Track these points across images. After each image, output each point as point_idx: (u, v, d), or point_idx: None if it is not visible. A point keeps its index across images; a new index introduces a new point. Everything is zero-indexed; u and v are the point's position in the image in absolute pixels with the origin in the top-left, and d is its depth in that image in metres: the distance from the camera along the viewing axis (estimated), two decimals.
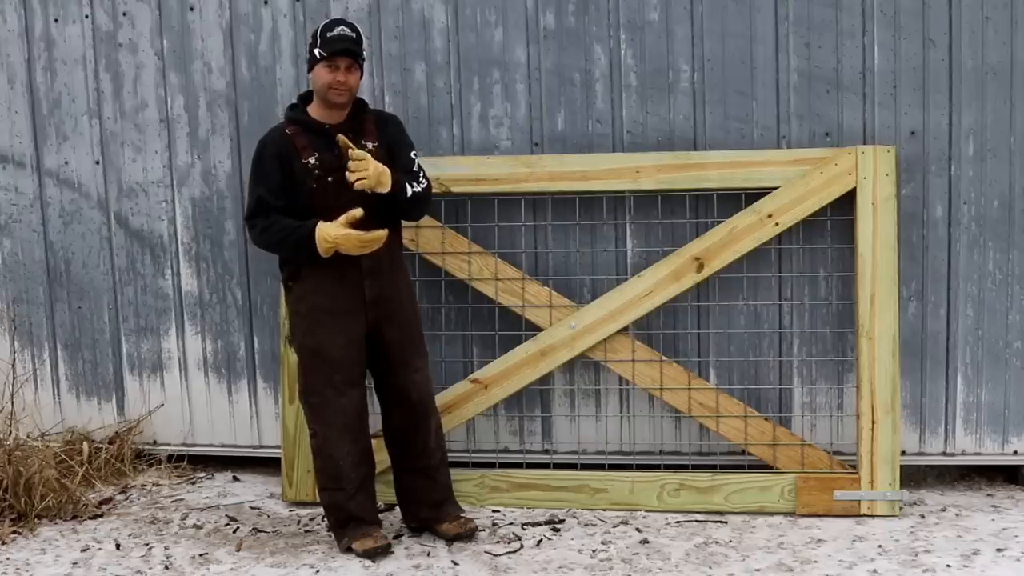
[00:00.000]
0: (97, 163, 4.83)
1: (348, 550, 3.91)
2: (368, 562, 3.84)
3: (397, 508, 4.36)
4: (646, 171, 4.33)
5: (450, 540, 3.99)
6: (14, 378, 4.74)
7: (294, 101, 4.01)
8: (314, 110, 3.90)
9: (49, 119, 4.86)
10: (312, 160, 3.82)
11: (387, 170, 3.79)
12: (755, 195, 4.29)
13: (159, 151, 4.78)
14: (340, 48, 3.79)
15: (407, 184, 3.86)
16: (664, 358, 4.38)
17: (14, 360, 4.83)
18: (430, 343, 4.58)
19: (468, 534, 4.00)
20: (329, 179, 3.82)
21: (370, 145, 3.87)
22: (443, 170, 4.42)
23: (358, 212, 3.73)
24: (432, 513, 4.06)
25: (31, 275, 4.95)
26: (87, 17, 4.77)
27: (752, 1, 4.33)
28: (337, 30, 3.82)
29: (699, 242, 4.32)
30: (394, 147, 3.95)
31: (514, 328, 4.49)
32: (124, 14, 4.74)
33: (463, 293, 4.53)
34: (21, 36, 4.83)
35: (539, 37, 4.47)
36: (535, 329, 4.44)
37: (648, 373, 4.37)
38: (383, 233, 3.77)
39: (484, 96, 4.52)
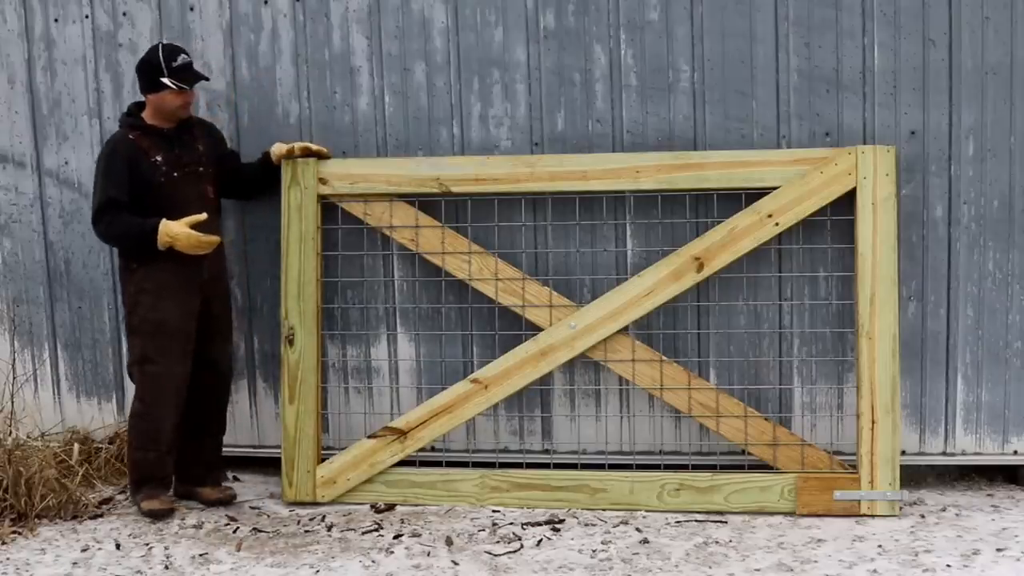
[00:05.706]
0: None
1: (138, 508, 4.36)
2: (368, 562, 3.84)
3: (396, 508, 4.37)
4: (646, 171, 4.32)
5: (209, 504, 4.45)
6: (14, 378, 4.74)
7: (126, 110, 4.41)
8: (150, 117, 4.34)
9: (49, 119, 4.86)
10: (159, 159, 4.29)
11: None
12: (755, 195, 4.29)
13: None
14: (196, 80, 4.31)
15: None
16: (664, 358, 4.38)
17: (14, 360, 4.83)
18: (430, 342, 4.61)
19: (227, 500, 4.48)
20: (175, 174, 4.31)
21: (201, 147, 4.40)
22: (443, 170, 4.42)
23: (202, 216, 4.23)
24: (201, 472, 4.51)
25: (31, 275, 4.95)
26: (87, 17, 4.77)
27: (752, 1, 4.33)
28: (181, 58, 4.28)
29: (699, 242, 4.32)
30: (219, 146, 4.50)
31: (514, 328, 4.48)
32: (124, 14, 4.74)
33: (463, 293, 4.53)
34: (21, 36, 4.83)
35: (539, 37, 4.47)
36: (535, 329, 4.43)
37: (648, 373, 4.37)
38: (216, 239, 4.28)
39: (484, 96, 4.52)
